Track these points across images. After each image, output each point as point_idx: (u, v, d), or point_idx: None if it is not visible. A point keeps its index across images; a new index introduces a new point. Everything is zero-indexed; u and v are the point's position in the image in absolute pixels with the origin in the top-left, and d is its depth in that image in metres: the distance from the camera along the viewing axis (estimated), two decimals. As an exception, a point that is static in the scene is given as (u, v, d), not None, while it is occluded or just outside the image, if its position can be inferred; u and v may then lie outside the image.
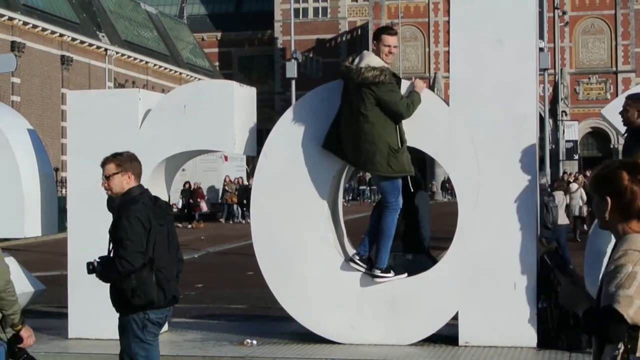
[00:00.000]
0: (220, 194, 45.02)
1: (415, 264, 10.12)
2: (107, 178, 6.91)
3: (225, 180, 44.81)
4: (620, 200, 3.92)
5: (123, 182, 6.88)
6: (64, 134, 41.70)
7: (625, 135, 8.98)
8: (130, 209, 6.71)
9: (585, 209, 27.62)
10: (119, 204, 6.87)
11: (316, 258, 9.72)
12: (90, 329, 10.18)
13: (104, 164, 6.97)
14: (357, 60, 9.22)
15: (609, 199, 3.93)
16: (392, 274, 9.45)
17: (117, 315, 7.00)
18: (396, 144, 9.11)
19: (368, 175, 42.80)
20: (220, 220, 44.04)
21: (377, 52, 9.29)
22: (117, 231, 6.68)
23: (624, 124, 8.93)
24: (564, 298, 4.10)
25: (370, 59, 9.15)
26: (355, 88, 9.15)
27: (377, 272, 9.45)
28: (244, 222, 41.96)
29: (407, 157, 9.24)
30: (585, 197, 27.96)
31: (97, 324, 9.90)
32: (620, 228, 3.96)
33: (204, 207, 42.57)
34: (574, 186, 28.84)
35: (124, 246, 6.62)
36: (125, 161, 6.93)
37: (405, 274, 9.57)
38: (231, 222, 43.63)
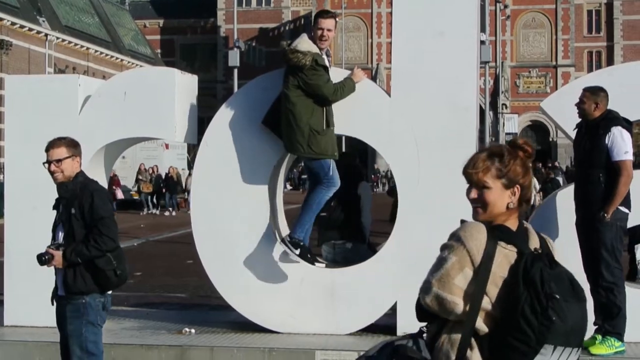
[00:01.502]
0: (133, 183, 43.59)
1: (354, 253, 10.15)
2: (59, 162, 6.83)
3: (139, 169, 43.39)
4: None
5: (73, 167, 6.84)
6: (2, 119, 41.20)
7: (577, 128, 9.02)
8: (98, 190, 6.82)
9: (537, 198, 28.32)
10: (81, 187, 6.80)
11: (255, 247, 9.70)
12: (26, 317, 10.07)
13: (51, 147, 6.90)
14: (294, 43, 9.21)
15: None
16: (298, 251, 9.37)
17: (57, 302, 6.93)
18: (320, 125, 9.04)
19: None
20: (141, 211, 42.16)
21: (314, 35, 9.26)
22: (95, 211, 6.69)
23: (580, 116, 8.94)
24: None
25: (299, 42, 9.11)
26: (286, 69, 9.16)
27: (287, 240, 9.40)
28: (157, 212, 41.46)
29: (331, 140, 9.13)
30: (538, 186, 29.13)
31: (33, 311, 9.79)
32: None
33: (119, 194, 41.75)
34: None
35: (106, 224, 6.68)
36: (72, 145, 6.90)
37: (323, 264, 9.56)
38: (143, 212, 42.10)
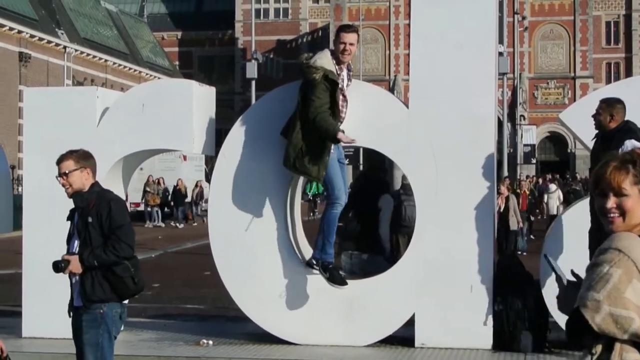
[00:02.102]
0: (141, 195, 42.20)
1: (370, 264, 10.13)
2: (66, 175, 6.84)
3: (147, 180, 42.35)
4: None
5: (82, 178, 6.83)
6: (21, 131, 41.36)
7: (595, 139, 9.01)
8: (115, 199, 6.85)
9: (561, 208, 28.38)
10: (98, 196, 6.81)
11: (273, 258, 9.69)
12: (44, 328, 10.09)
13: (60, 160, 6.90)
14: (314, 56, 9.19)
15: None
16: (327, 274, 9.33)
17: (73, 313, 6.92)
18: (312, 146, 8.94)
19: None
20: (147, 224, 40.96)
21: (336, 49, 9.25)
22: (113, 219, 6.69)
23: (596, 128, 8.95)
24: (562, 305, 3.75)
25: (318, 57, 9.08)
26: (302, 82, 9.16)
27: (314, 263, 9.37)
28: (163, 225, 40.81)
29: (318, 164, 8.97)
30: (562, 198, 29.31)
31: (51, 323, 9.81)
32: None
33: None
34: (552, 187, 30.38)
35: (124, 232, 6.70)
36: (82, 157, 6.90)
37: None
38: (149, 224, 40.67)
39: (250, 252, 9.77)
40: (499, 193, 20.44)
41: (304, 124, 8.98)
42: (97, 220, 6.70)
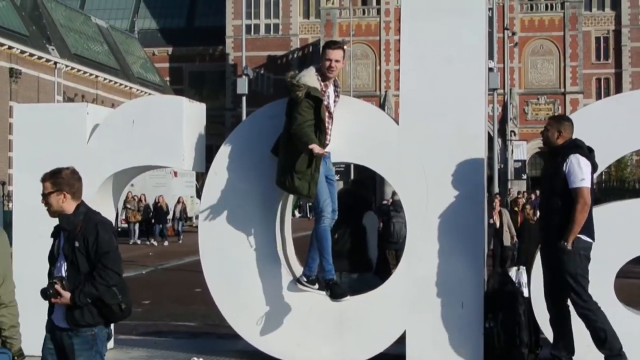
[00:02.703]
0: (120, 211, 40.78)
1: (361, 283, 10.10)
2: (43, 196, 6.80)
3: (127, 197, 41.46)
4: None
5: (59, 202, 6.76)
6: (11, 147, 41.25)
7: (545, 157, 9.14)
8: (102, 222, 6.71)
9: None
10: (84, 219, 6.73)
11: (264, 275, 9.67)
12: (32, 346, 10.01)
13: (41, 180, 6.84)
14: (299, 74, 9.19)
15: None
16: (317, 286, 9.35)
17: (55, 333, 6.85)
18: (301, 165, 8.91)
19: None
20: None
21: (322, 66, 9.24)
22: (100, 245, 6.56)
23: (544, 144, 9.13)
24: None
25: (302, 76, 9.07)
26: (288, 99, 9.16)
27: (303, 280, 9.37)
28: (139, 242, 40.02)
29: (308, 182, 8.97)
30: None
31: (40, 340, 9.72)
32: None
33: None
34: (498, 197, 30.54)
35: (111, 258, 6.57)
36: (61, 182, 6.77)
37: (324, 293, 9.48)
38: (131, 242, 39.51)
39: (240, 268, 9.75)
40: (493, 209, 20.43)
41: (291, 142, 8.98)
42: (84, 245, 6.62)
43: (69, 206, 6.75)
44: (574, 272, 8.64)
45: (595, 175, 8.92)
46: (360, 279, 10.23)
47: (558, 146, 8.89)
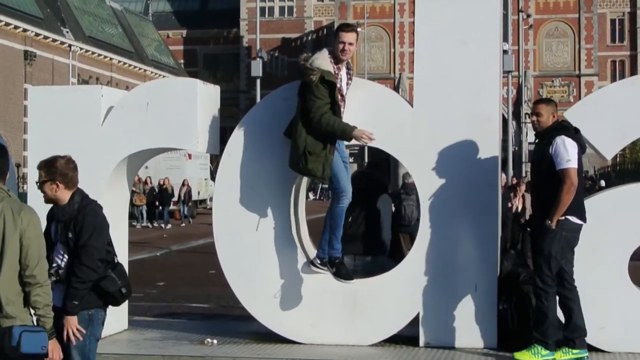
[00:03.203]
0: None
1: (374, 266, 10.12)
2: (37, 184, 6.87)
3: (134, 180, 41.03)
4: None
5: (52, 190, 6.79)
6: (26, 129, 41.37)
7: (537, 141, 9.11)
8: (90, 213, 6.71)
9: None
10: (78, 208, 6.75)
11: (278, 257, 9.69)
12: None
13: (37, 168, 6.90)
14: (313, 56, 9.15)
15: None
16: (333, 269, 9.34)
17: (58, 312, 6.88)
18: (315, 147, 8.93)
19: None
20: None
21: (335, 48, 9.22)
22: (81, 236, 6.60)
23: (534, 128, 9.09)
24: None
25: (316, 58, 9.03)
26: (301, 82, 9.14)
27: (317, 262, 9.39)
28: (150, 226, 40.08)
29: (323, 163, 8.96)
30: None
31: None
32: None
33: None
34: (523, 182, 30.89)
35: (87, 252, 6.57)
36: (54, 172, 6.78)
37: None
38: (137, 225, 39.22)
39: (254, 250, 9.77)
40: (515, 192, 20.33)
41: (304, 124, 8.97)
42: (75, 236, 6.68)
43: (63, 195, 6.78)
44: (547, 252, 8.65)
45: (587, 158, 8.94)
46: (374, 262, 10.24)
47: (545, 129, 8.91)
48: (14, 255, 5.83)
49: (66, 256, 6.72)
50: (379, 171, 10.74)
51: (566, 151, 8.60)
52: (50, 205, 6.89)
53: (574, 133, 8.79)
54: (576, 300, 8.76)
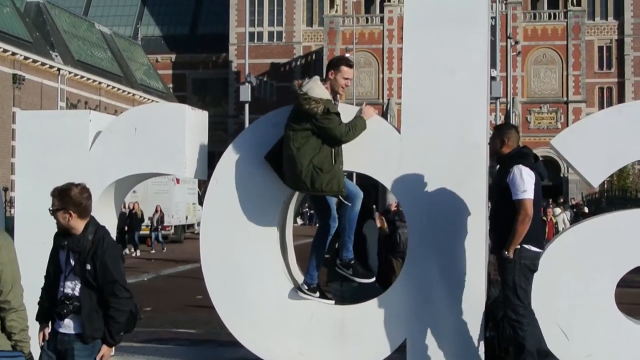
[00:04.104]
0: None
1: (361, 292, 10.11)
2: (50, 211, 6.83)
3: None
4: None
5: (65, 219, 6.75)
6: (14, 153, 41.31)
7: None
8: (110, 248, 6.78)
9: None
10: (94, 240, 6.72)
11: (265, 283, 9.67)
12: (34, 349, 10.01)
13: (51, 195, 6.85)
14: (304, 85, 9.17)
15: None
16: (317, 294, 9.39)
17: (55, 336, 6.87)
18: (325, 163, 9.02)
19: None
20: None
21: (333, 81, 9.25)
22: (109, 272, 6.65)
23: (491, 154, 9.23)
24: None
25: (311, 87, 9.06)
26: (294, 111, 9.17)
27: (304, 288, 9.42)
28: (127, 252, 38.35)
29: (336, 177, 9.08)
30: (567, 221, 30.28)
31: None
32: None
33: None
34: (557, 210, 31.49)
35: (119, 287, 6.68)
36: (67, 201, 6.75)
37: (333, 301, 9.54)
38: None
39: (242, 276, 9.75)
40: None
41: (306, 148, 8.98)
42: (93, 269, 6.65)
43: (77, 224, 6.74)
44: (511, 283, 8.72)
45: (543, 185, 9.02)
46: (360, 288, 10.23)
47: (504, 155, 8.96)
48: None
49: (79, 285, 6.69)
50: (366, 196, 10.74)
51: (522, 181, 8.65)
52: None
53: (532, 161, 8.84)
54: (528, 328, 8.77)
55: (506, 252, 8.64)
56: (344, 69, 9.30)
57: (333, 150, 9.07)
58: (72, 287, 6.73)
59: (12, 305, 5.89)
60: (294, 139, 9.05)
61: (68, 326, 6.77)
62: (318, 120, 8.97)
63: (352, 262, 9.40)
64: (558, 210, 33.44)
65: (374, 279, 9.48)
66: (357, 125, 9.21)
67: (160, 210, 42.95)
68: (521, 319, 8.70)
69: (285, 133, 9.19)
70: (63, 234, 6.88)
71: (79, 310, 6.65)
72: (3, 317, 5.90)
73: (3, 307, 5.87)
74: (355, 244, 10.15)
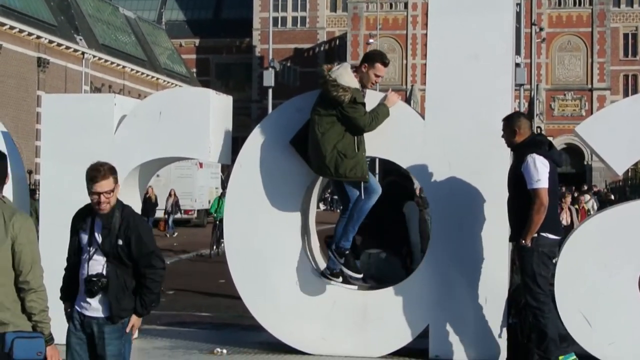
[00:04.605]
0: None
1: (387, 264, 10.11)
2: (107, 193, 6.59)
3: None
4: None
5: (110, 197, 6.69)
6: (38, 136, 41.45)
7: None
8: (142, 222, 6.83)
9: None
10: (122, 217, 6.69)
11: (288, 268, 9.70)
12: (58, 335, 10.08)
13: (100, 178, 6.57)
14: (333, 71, 9.16)
15: None
16: (340, 279, 9.40)
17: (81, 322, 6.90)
18: (349, 149, 9.06)
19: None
20: None
21: (364, 74, 9.26)
22: (145, 244, 6.66)
23: (507, 145, 9.14)
24: None
25: (341, 74, 9.09)
26: (321, 95, 9.20)
27: (327, 273, 9.46)
28: None
29: (360, 163, 9.12)
30: (596, 207, 30.44)
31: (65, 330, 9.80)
32: None
33: None
34: (587, 197, 31.73)
35: (156, 255, 6.71)
36: (116, 173, 6.74)
37: (355, 287, 9.53)
38: None
39: (265, 261, 9.78)
40: (561, 206, 20.51)
41: (331, 134, 9.01)
42: (126, 244, 6.64)
43: (114, 201, 6.73)
44: (530, 271, 8.74)
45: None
46: (387, 260, 10.22)
47: (518, 144, 8.94)
48: (5, 262, 5.85)
49: (105, 263, 6.69)
50: (409, 181, 10.74)
51: (536, 170, 8.64)
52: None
53: (546, 149, 8.82)
54: (550, 315, 8.79)
55: (523, 241, 8.65)
56: (379, 66, 9.31)
57: (356, 137, 9.09)
58: (98, 266, 6.73)
59: (31, 286, 5.93)
60: (319, 123, 9.07)
61: (96, 309, 6.79)
62: (344, 109, 8.98)
63: (347, 252, 9.37)
64: (588, 197, 33.48)
65: (361, 276, 9.46)
66: (380, 115, 9.24)
67: (175, 195, 42.69)
68: (542, 306, 8.71)
69: (311, 117, 9.21)
70: (83, 215, 6.86)
71: (106, 288, 6.67)
72: (23, 297, 5.94)
73: (22, 288, 5.91)
74: (395, 224, 10.15)
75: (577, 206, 23.55)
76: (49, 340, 6.07)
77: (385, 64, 9.39)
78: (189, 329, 12.40)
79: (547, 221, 8.69)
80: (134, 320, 6.77)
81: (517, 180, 8.79)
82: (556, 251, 8.94)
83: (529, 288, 8.75)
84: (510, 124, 8.99)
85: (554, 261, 9.02)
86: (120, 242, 6.61)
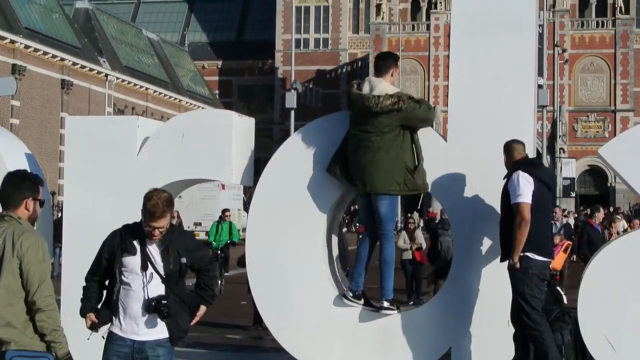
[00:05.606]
0: None
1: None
2: (162, 228, 6.80)
3: None
4: None
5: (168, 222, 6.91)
6: (62, 157, 41.64)
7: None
8: (195, 239, 7.25)
9: None
10: (175, 236, 6.93)
11: (310, 290, 9.69)
12: (82, 357, 10.10)
13: (156, 215, 6.77)
14: (366, 88, 9.17)
15: None
16: (362, 301, 9.41)
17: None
18: (412, 162, 9.14)
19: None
20: None
21: (393, 78, 9.40)
22: (206, 260, 7.16)
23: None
24: None
25: (384, 86, 9.17)
26: (366, 115, 9.14)
27: (385, 304, 9.40)
28: None
29: (422, 175, 9.24)
30: (624, 228, 30.56)
31: (90, 351, 9.81)
32: None
33: None
34: (620, 224, 31.92)
35: (213, 268, 7.31)
36: (173, 205, 6.97)
37: (377, 309, 9.52)
38: None
39: (287, 282, 9.77)
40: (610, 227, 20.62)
41: (396, 148, 9.10)
42: (188, 259, 6.83)
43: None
44: (522, 292, 8.76)
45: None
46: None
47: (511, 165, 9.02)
48: (12, 280, 5.87)
49: (161, 285, 6.77)
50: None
51: (518, 186, 8.73)
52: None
53: (533, 168, 8.88)
54: (548, 336, 8.84)
55: (511, 261, 8.69)
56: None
57: (414, 147, 9.19)
58: (157, 289, 6.78)
59: (38, 306, 5.95)
60: (380, 143, 9.07)
61: (147, 333, 6.80)
62: (406, 113, 9.03)
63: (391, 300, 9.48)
64: (622, 222, 33.28)
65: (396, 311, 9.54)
66: (423, 101, 9.39)
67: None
68: (539, 326, 8.75)
69: (360, 138, 9.18)
70: (126, 237, 6.89)
71: (170, 309, 6.78)
72: (32, 317, 5.97)
73: (31, 308, 5.94)
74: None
75: (611, 231, 23.23)
76: (68, 359, 6.08)
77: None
78: (211, 351, 12.41)
79: (536, 241, 8.71)
80: (203, 310, 7.14)
81: (505, 199, 8.85)
82: (547, 273, 8.97)
83: (525, 311, 8.80)
84: (505, 150, 9.09)
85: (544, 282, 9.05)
86: (183, 260, 6.74)
